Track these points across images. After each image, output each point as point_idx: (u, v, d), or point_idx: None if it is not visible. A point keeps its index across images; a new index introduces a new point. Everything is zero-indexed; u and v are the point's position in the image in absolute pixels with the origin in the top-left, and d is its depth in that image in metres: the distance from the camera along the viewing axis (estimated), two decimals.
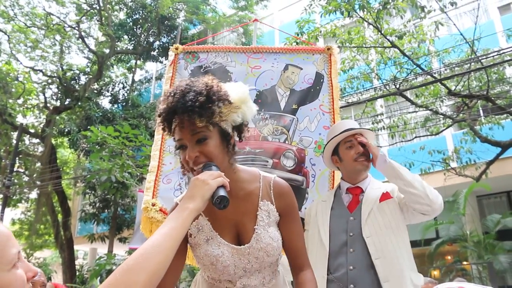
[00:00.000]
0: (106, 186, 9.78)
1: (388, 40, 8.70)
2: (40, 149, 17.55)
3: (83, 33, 16.31)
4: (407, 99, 9.37)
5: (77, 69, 17.08)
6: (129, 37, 16.90)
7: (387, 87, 9.63)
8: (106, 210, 14.86)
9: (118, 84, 17.37)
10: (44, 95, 16.88)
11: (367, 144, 2.31)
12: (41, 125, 16.87)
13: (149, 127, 13.02)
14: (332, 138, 2.37)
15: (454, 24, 8.51)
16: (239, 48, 3.26)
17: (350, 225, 2.21)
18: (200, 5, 15.88)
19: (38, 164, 16.97)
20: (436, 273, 11.50)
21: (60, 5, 16.00)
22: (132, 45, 17.05)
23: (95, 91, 16.33)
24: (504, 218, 10.47)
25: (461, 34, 8.44)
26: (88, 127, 10.89)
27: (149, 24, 16.23)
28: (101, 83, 16.60)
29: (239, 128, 1.51)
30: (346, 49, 9.78)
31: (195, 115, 1.34)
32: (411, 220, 2.23)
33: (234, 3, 16.28)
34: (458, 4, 7.92)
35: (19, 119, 17.26)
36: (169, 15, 15.72)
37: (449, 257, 12.97)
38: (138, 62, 17.73)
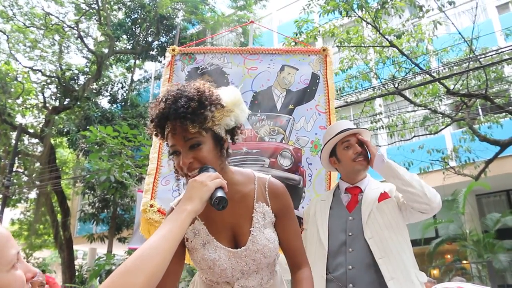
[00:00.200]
0: (105, 186, 9.78)
1: (387, 39, 8.70)
2: (39, 149, 17.55)
3: (82, 33, 16.31)
4: (406, 98, 9.37)
5: (76, 69, 17.07)
6: (128, 36, 16.90)
7: (386, 86, 9.63)
8: (105, 210, 14.86)
9: (117, 84, 17.37)
10: (43, 95, 16.89)
11: (367, 143, 2.31)
12: (40, 125, 16.86)
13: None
14: (329, 139, 2.37)
15: (453, 23, 8.52)
16: (236, 50, 3.28)
17: (349, 225, 2.21)
18: (199, 5, 15.87)
19: (37, 164, 16.97)
20: (435, 272, 11.51)
21: (59, 5, 16.00)
22: (131, 44, 17.04)
23: (94, 91, 16.33)
24: (503, 217, 10.49)
25: (460, 33, 8.44)
26: (87, 127, 10.89)
27: (148, 24, 16.23)
28: (100, 83, 16.60)
29: (233, 131, 1.50)
30: (344, 48, 9.79)
31: (187, 121, 1.33)
32: (410, 219, 2.24)
33: (232, 2, 16.28)
34: (456, 3, 7.93)
35: (18, 119, 17.27)
36: (168, 14, 15.72)
37: (448, 256, 12.97)
38: (137, 61, 17.72)
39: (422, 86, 9.37)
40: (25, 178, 18.24)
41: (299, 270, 1.59)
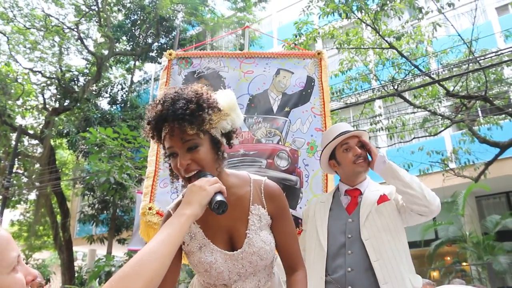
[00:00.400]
0: (105, 187, 9.78)
1: (386, 41, 8.71)
2: (39, 150, 17.54)
3: (82, 35, 16.33)
4: (406, 100, 9.37)
5: (76, 71, 17.10)
6: (128, 38, 16.91)
7: (386, 88, 9.64)
8: (105, 212, 14.85)
9: (117, 85, 17.38)
10: (43, 96, 16.91)
11: (368, 145, 2.32)
12: (40, 126, 16.87)
13: None
14: (329, 143, 2.36)
15: (452, 25, 8.52)
16: (232, 54, 3.32)
17: (348, 227, 2.21)
18: (199, 7, 15.89)
19: (37, 165, 16.97)
20: (435, 274, 11.51)
21: (59, 7, 16.03)
22: (131, 46, 17.06)
23: (94, 92, 16.33)
24: (503, 219, 10.48)
25: (459, 35, 8.45)
26: (87, 128, 10.89)
27: (148, 25, 16.24)
28: (99, 84, 16.60)
29: (229, 135, 1.52)
30: (344, 50, 9.79)
31: (185, 123, 1.34)
32: (409, 221, 2.24)
33: (232, 4, 16.29)
34: (456, 5, 7.93)
35: (18, 120, 17.30)
36: (168, 16, 15.74)
37: (448, 258, 12.96)
38: (137, 63, 17.73)
39: (421, 88, 9.37)
40: (25, 179, 18.24)
41: (293, 273, 1.59)
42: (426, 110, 9.55)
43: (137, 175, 9.13)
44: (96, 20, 16.32)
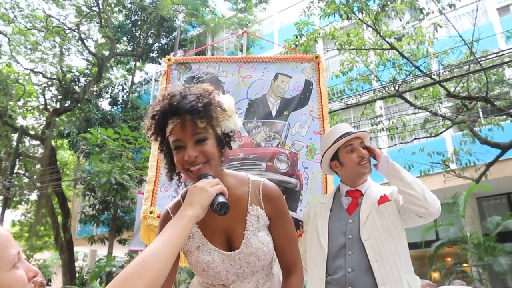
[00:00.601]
0: (106, 188, 9.79)
1: (387, 42, 8.71)
2: (40, 151, 17.57)
3: (82, 35, 16.37)
4: (406, 101, 9.37)
5: (76, 71, 17.13)
6: (128, 39, 16.94)
7: (386, 89, 9.64)
8: (106, 212, 14.85)
9: (118, 86, 17.40)
10: (44, 97, 16.95)
11: (371, 148, 2.33)
12: (41, 127, 16.90)
13: None
14: (333, 143, 2.36)
15: (453, 26, 8.52)
16: (230, 58, 3.34)
17: (348, 228, 2.22)
18: (199, 7, 15.90)
19: (38, 166, 17.00)
20: (436, 275, 11.50)
21: (60, 8, 16.06)
22: (132, 47, 17.08)
23: (95, 93, 16.35)
24: (504, 220, 10.46)
25: (460, 36, 8.44)
26: (88, 129, 10.90)
27: (148, 26, 16.26)
28: (100, 85, 16.62)
29: (229, 137, 1.54)
30: (345, 51, 9.79)
31: (197, 116, 1.38)
32: (408, 222, 2.24)
33: (233, 5, 16.30)
34: (457, 6, 7.93)
35: (19, 121, 17.34)
36: (168, 16, 15.75)
37: (449, 259, 12.94)
38: (138, 63, 17.75)
39: (422, 89, 9.36)
40: (26, 180, 18.27)
41: (289, 277, 1.59)
42: (427, 111, 9.54)
43: (138, 176, 9.14)
44: (97, 21, 16.35)
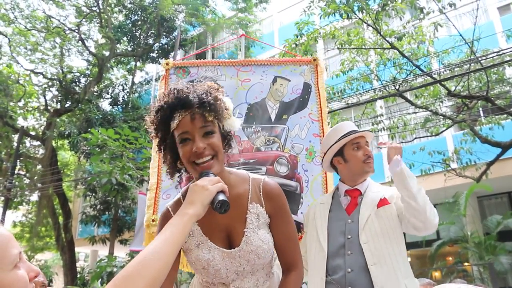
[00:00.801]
0: (106, 188, 9.79)
1: (388, 41, 8.70)
2: (41, 151, 17.58)
3: (83, 36, 16.38)
4: (407, 100, 9.36)
5: (77, 72, 17.14)
6: (129, 39, 16.94)
7: (387, 88, 9.63)
8: (106, 212, 14.86)
9: (118, 86, 17.40)
10: (44, 97, 16.96)
11: (390, 147, 2.26)
12: (42, 128, 16.92)
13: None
14: (340, 138, 2.36)
15: (454, 25, 8.52)
16: (229, 62, 3.34)
17: (348, 228, 2.22)
18: (200, 7, 15.90)
19: (39, 167, 17.01)
20: (437, 274, 11.50)
21: (60, 8, 16.07)
22: (132, 47, 17.08)
23: (95, 94, 16.36)
24: (505, 219, 10.45)
25: (461, 35, 8.44)
26: (89, 129, 10.90)
27: (148, 26, 16.27)
28: (101, 85, 16.64)
29: (229, 136, 1.56)
30: (345, 50, 9.79)
31: (206, 109, 1.41)
32: (404, 230, 2.23)
33: (233, 5, 16.30)
34: (457, 5, 7.92)
35: (20, 122, 17.35)
36: (169, 16, 15.75)
37: (450, 258, 12.95)
38: (138, 64, 17.75)
39: (423, 88, 9.36)
40: (26, 181, 18.28)
41: (288, 274, 1.60)
42: (427, 110, 9.54)
43: (138, 176, 9.14)
44: (97, 21, 16.36)
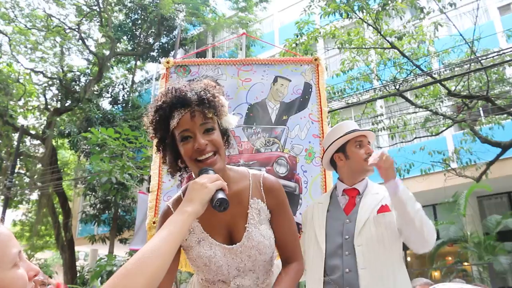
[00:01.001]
0: (106, 187, 9.79)
1: (388, 41, 8.70)
2: (41, 150, 17.58)
3: (83, 35, 16.37)
4: (407, 100, 9.36)
5: (77, 71, 17.14)
6: (129, 38, 16.94)
7: (387, 88, 9.63)
8: (106, 211, 14.86)
9: (118, 86, 17.40)
10: (44, 96, 16.95)
11: (379, 165, 2.16)
12: (42, 127, 16.92)
13: None
14: (344, 134, 2.36)
15: (454, 25, 8.51)
16: (230, 61, 3.31)
17: (345, 228, 2.21)
18: (200, 6, 15.89)
19: (39, 166, 17.01)
20: (436, 274, 11.48)
21: (60, 7, 16.06)
22: (132, 46, 17.08)
23: (95, 93, 16.35)
24: (504, 219, 10.44)
25: (461, 35, 8.44)
26: (89, 128, 10.91)
27: (149, 25, 16.26)
28: (101, 84, 16.63)
29: (227, 133, 1.58)
30: (345, 50, 9.79)
31: (205, 106, 1.43)
32: (402, 240, 2.20)
33: (234, 4, 16.29)
34: (457, 5, 7.92)
35: (20, 121, 17.34)
36: (169, 15, 15.75)
37: (449, 258, 12.93)
38: (138, 63, 17.75)
39: (423, 88, 9.36)
40: (26, 180, 18.29)
41: (288, 265, 1.61)
42: (427, 110, 9.54)
43: (138, 175, 9.14)
44: (97, 20, 16.36)
